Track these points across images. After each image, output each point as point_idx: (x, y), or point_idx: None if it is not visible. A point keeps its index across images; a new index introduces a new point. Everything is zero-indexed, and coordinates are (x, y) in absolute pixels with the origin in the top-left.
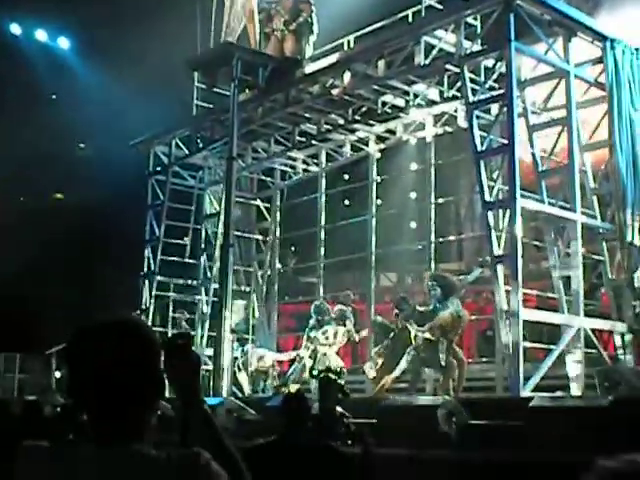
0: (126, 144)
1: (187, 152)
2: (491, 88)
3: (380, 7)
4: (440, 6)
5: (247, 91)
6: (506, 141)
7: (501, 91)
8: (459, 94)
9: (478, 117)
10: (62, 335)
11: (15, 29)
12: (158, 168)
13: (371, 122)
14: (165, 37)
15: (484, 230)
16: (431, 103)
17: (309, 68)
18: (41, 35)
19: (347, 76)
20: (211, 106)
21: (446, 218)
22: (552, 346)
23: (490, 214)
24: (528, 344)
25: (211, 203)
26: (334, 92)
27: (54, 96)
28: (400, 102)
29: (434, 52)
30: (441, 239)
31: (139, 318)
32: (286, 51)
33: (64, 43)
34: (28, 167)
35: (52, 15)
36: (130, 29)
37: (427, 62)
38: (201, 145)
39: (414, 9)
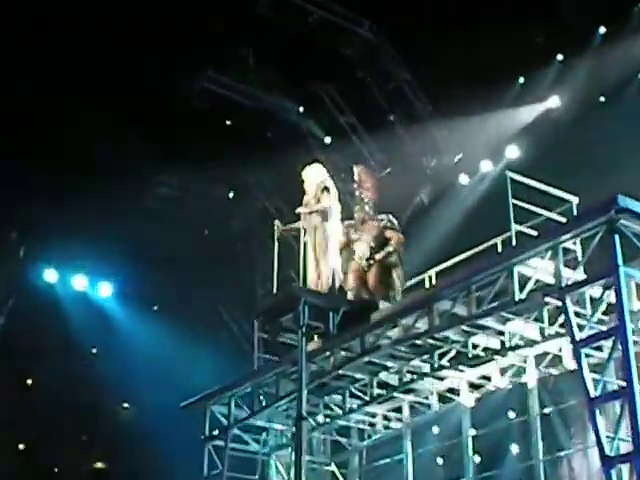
0: (177, 403)
1: (249, 412)
2: (600, 321)
3: (463, 237)
4: (533, 231)
5: (316, 338)
6: (624, 383)
7: (612, 324)
8: (563, 331)
9: (588, 356)
10: None
11: (50, 276)
12: (215, 431)
13: (461, 368)
14: (220, 281)
15: None
16: (531, 343)
17: (386, 310)
18: (80, 282)
19: (433, 317)
20: (275, 358)
21: (557, 473)
22: None
23: (612, 471)
24: None
25: (277, 470)
26: (417, 336)
27: (94, 349)
28: (494, 343)
29: (530, 284)
30: None
31: None
32: (370, 283)
33: (106, 290)
34: (62, 430)
35: (92, 260)
36: (179, 275)
37: (523, 296)
38: (265, 403)
39: (503, 236)
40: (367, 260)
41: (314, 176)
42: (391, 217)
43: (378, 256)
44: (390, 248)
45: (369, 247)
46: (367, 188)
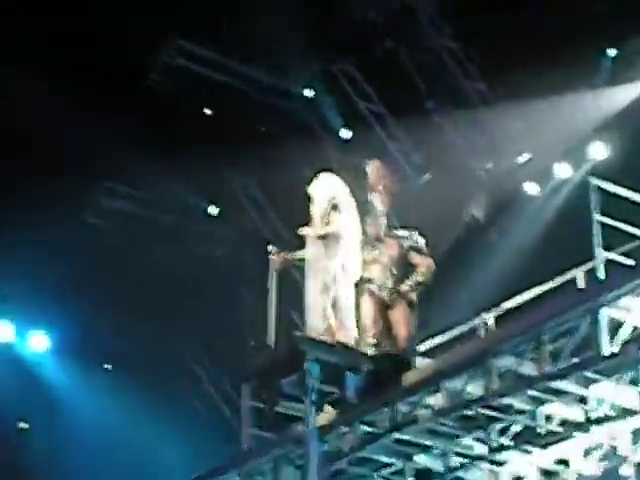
0: None
1: None
2: None
3: (531, 268)
4: (627, 260)
5: (329, 409)
6: None
7: None
8: None
9: None
10: None
11: None
12: None
13: (529, 448)
14: (196, 329)
15: None
16: (625, 413)
17: (425, 368)
18: (4, 331)
19: (490, 378)
20: (273, 435)
21: None
22: None
23: None
24: None
25: None
26: (468, 405)
27: (23, 424)
28: (575, 414)
29: (624, 332)
30: None
31: None
32: (395, 327)
33: (39, 342)
34: None
35: (20, 301)
36: (139, 322)
37: (614, 349)
38: None
39: (586, 267)
40: (389, 292)
41: (323, 190)
42: (416, 235)
43: (405, 287)
44: (420, 278)
45: (390, 274)
46: (380, 191)
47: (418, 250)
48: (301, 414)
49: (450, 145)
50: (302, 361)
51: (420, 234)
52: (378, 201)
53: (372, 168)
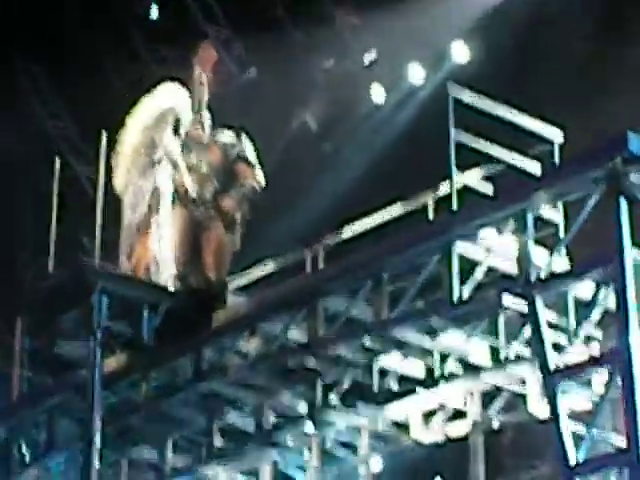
0: None
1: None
2: (590, 339)
3: (371, 192)
4: (487, 186)
5: (120, 352)
6: (624, 441)
7: (609, 346)
8: (529, 354)
9: (566, 392)
10: None
11: None
12: None
13: (361, 407)
14: None
15: None
16: (475, 371)
17: (239, 307)
18: None
19: (316, 322)
20: (49, 381)
21: None
22: None
23: None
24: None
25: None
26: (288, 353)
27: None
28: (416, 369)
29: (478, 274)
30: None
31: None
32: (206, 246)
33: None
34: None
35: None
36: None
37: (466, 294)
38: (29, 460)
39: (437, 193)
40: (206, 207)
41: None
42: (245, 139)
43: (226, 202)
44: (245, 191)
45: (209, 185)
46: (206, 79)
47: (245, 159)
48: (84, 357)
49: (281, 36)
50: (89, 293)
51: (249, 138)
52: (203, 93)
53: (204, 51)
